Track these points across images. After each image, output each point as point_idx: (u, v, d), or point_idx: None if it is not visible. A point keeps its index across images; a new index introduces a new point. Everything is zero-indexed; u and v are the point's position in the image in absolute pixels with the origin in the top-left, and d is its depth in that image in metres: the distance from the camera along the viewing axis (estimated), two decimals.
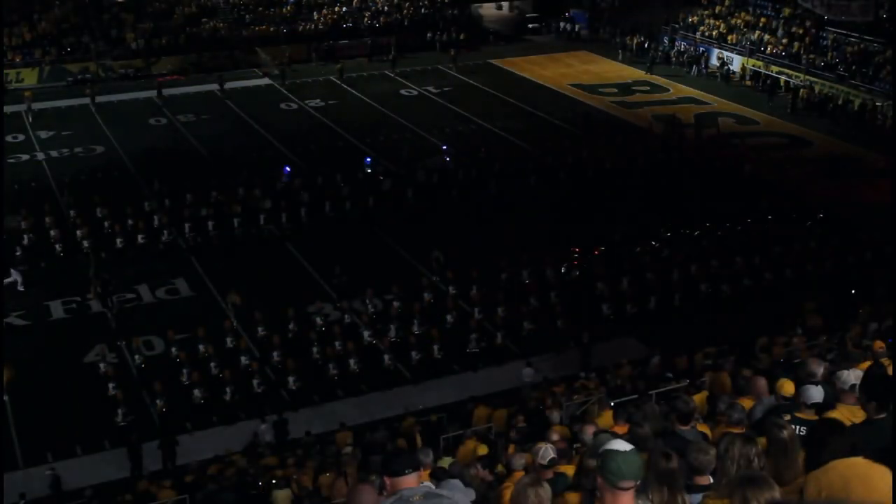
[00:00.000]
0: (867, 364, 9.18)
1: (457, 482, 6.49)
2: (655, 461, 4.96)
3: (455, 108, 43.21)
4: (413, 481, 4.36)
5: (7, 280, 26.95)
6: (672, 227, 29.07)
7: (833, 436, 5.27)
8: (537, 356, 23.47)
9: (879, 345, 11.77)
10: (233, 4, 54.05)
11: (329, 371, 22.39)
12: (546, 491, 4.99)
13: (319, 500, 14.81)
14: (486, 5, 61.04)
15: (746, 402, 9.26)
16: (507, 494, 7.30)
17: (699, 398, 10.58)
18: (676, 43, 52.40)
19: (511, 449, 13.60)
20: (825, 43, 45.88)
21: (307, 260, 28.94)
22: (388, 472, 4.41)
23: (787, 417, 6.77)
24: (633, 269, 26.17)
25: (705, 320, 24.91)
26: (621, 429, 9.74)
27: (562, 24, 58.65)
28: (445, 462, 12.17)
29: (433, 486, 6.75)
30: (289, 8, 54.75)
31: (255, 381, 21.78)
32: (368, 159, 34.89)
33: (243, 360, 22.47)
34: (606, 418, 12.53)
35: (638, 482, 4.37)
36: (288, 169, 33.01)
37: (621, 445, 4.37)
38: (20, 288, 27.00)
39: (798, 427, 6.81)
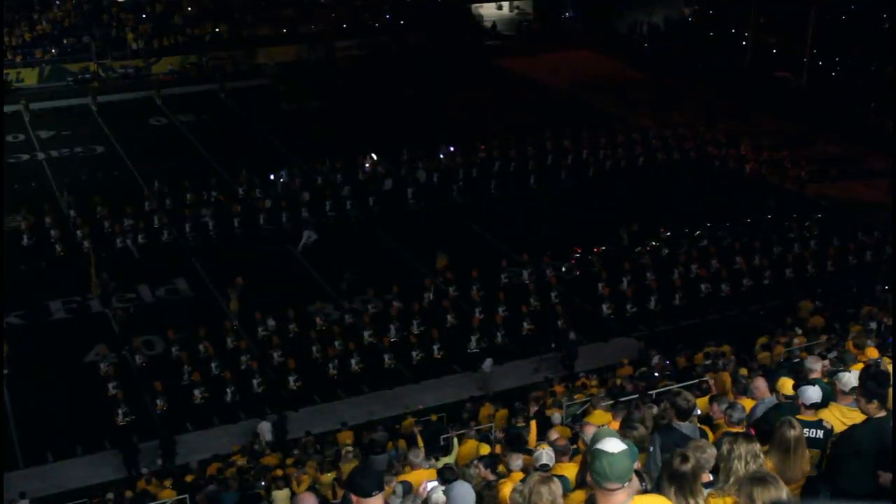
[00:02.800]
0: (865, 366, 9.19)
1: (465, 484, 6.50)
2: (670, 462, 4.96)
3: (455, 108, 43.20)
4: (378, 502, 4.42)
5: (303, 242, 28.99)
6: (672, 227, 29.05)
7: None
8: (537, 356, 23.58)
9: (874, 353, 11.77)
10: (234, 5, 53.93)
11: (329, 371, 22.40)
12: (557, 487, 5.00)
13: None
14: (486, 5, 61.09)
15: (746, 403, 9.26)
16: (505, 490, 7.31)
17: (701, 401, 10.57)
18: None
19: (498, 449, 13.62)
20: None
21: (308, 260, 28.97)
22: (357, 491, 4.41)
23: None
24: (634, 268, 26.16)
25: (705, 320, 24.95)
26: (617, 425, 9.75)
27: (562, 23, 58.72)
28: (444, 461, 12.19)
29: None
30: (290, 8, 54.63)
31: (255, 381, 21.79)
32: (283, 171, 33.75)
33: (243, 359, 22.48)
34: (599, 417, 12.50)
35: (624, 484, 4.34)
36: (283, 172, 33.06)
37: (612, 446, 4.35)
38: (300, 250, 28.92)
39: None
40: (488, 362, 22.50)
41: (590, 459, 4.39)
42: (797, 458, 5.78)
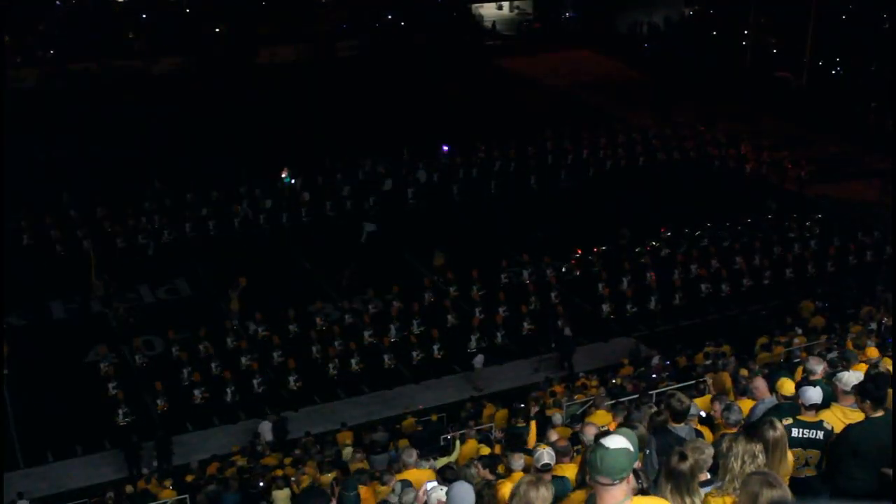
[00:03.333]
0: (865, 366, 9.20)
1: (465, 484, 6.50)
2: (668, 459, 4.98)
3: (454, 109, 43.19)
4: None
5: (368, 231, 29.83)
6: (672, 227, 29.04)
7: None
8: (537, 356, 23.58)
9: (874, 353, 11.78)
10: (236, 5, 53.94)
11: (329, 371, 22.40)
12: (548, 489, 5.00)
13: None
14: (486, 5, 61.13)
15: (747, 403, 9.25)
16: (504, 490, 7.31)
17: (702, 401, 10.57)
18: None
19: (497, 449, 13.62)
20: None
21: (308, 260, 28.97)
22: None
23: (789, 421, 6.77)
24: (634, 268, 26.16)
25: (705, 320, 24.95)
26: (615, 426, 9.74)
27: (561, 22, 58.76)
28: (443, 462, 12.19)
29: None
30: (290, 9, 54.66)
31: (255, 381, 21.78)
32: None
33: (243, 360, 22.47)
34: (601, 417, 12.51)
35: (615, 481, 4.35)
36: (285, 176, 33.10)
37: (613, 442, 4.36)
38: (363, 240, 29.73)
39: (800, 430, 6.81)
40: (479, 358, 22.52)
41: (588, 452, 4.42)
42: (775, 460, 5.77)
